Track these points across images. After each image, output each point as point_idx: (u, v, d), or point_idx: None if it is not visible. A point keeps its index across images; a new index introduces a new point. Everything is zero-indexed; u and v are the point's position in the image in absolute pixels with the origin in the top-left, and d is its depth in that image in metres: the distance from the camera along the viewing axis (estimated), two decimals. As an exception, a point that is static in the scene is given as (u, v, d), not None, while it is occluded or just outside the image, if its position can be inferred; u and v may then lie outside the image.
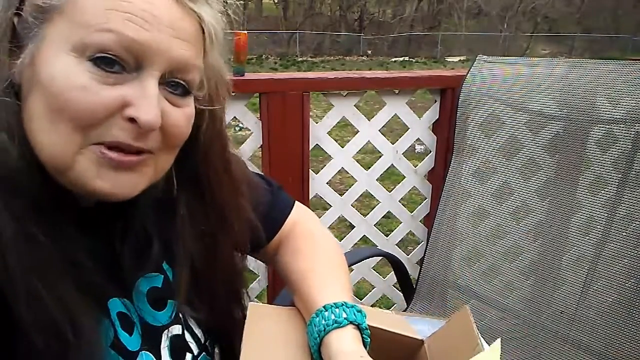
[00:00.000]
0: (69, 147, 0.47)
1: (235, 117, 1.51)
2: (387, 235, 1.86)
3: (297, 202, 0.84)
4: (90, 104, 0.46)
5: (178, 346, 0.61)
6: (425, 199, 1.83)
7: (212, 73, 0.57)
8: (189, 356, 0.63)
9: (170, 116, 0.51)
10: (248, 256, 0.83)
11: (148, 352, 0.57)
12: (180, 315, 0.63)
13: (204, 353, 0.65)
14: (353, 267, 1.74)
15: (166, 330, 0.60)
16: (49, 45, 0.46)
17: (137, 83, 0.48)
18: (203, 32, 0.52)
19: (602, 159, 1.30)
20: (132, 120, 0.47)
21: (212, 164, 0.61)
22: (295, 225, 0.80)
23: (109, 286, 0.54)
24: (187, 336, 0.63)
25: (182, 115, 0.52)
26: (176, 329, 0.62)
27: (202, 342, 0.66)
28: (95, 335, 0.49)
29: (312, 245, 0.77)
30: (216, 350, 0.69)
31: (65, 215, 0.50)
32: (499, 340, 0.59)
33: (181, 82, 0.51)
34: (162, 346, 0.59)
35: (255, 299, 1.76)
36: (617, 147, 1.27)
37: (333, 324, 0.60)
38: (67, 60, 0.46)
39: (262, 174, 0.83)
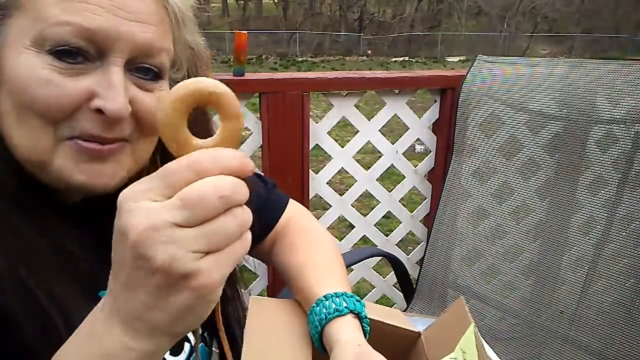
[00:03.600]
0: (43, 144, 0.47)
1: (235, 117, 1.51)
2: (387, 235, 1.86)
3: (291, 199, 0.84)
4: (55, 97, 0.45)
5: None
6: (425, 199, 1.83)
7: (187, 53, 0.56)
8: (187, 346, 0.63)
9: (142, 102, 0.50)
10: (247, 255, 0.83)
11: None
12: None
13: (202, 344, 0.66)
14: (353, 267, 1.74)
15: None
16: (11, 41, 0.46)
17: (101, 72, 0.47)
18: (168, 13, 0.51)
19: (602, 159, 1.30)
20: (99, 111, 0.47)
21: None
22: (290, 221, 0.81)
23: (100, 277, 0.54)
24: None
25: (155, 100, 0.51)
26: None
27: (199, 332, 0.65)
28: None
29: (308, 239, 0.78)
30: (214, 342, 0.69)
31: (52, 211, 0.50)
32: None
33: (150, 66, 0.50)
34: None
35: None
36: (617, 147, 1.27)
37: (334, 312, 0.61)
38: (28, 55, 0.45)
39: (257, 172, 0.83)
